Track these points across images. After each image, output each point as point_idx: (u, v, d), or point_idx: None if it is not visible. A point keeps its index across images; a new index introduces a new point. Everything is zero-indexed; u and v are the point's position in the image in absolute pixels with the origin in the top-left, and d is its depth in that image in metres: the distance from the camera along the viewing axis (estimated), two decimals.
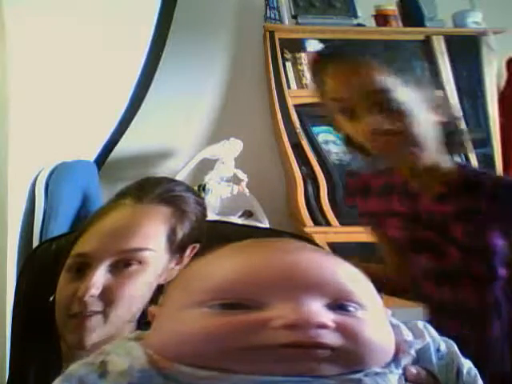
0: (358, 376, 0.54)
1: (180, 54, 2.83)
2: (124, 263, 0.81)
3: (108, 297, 0.79)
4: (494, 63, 2.96)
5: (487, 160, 2.89)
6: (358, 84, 1.03)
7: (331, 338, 0.53)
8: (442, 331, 0.79)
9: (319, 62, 1.10)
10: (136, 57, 2.56)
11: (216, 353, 0.52)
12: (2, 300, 1.48)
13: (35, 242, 1.72)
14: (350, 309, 0.56)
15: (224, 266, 0.59)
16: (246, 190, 2.59)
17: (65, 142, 2.03)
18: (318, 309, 0.55)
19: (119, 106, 2.56)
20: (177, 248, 0.86)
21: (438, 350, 0.59)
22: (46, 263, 0.93)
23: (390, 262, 1.19)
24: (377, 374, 0.55)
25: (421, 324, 0.62)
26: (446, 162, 1.09)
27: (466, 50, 2.98)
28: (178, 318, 0.56)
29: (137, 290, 0.78)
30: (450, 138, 1.10)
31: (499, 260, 1.04)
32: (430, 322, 1.10)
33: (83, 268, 0.81)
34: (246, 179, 2.61)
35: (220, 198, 2.55)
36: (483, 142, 2.90)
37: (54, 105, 1.83)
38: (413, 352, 0.57)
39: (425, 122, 1.05)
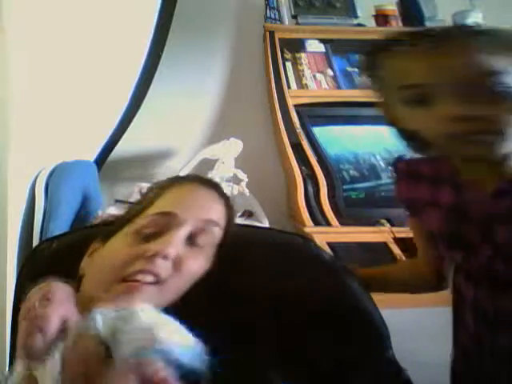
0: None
1: (180, 54, 2.83)
2: (200, 234, 0.82)
3: (177, 265, 0.78)
4: None
5: None
6: (453, 66, 0.88)
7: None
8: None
9: (385, 49, 0.96)
10: (136, 57, 2.56)
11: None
12: (2, 300, 1.48)
13: (35, 242, 1.72)
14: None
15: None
16: (246, 190, 2.58)
17: (65, 142, 2.03)
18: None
19: (119, 105, 2.56)
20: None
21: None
22: (46, 262, 0.93)
23: (422, 254, 1.11)
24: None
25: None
26: None
27: None
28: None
29: (200, 266, 0.81)
30: None
31: None
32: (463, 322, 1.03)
33: (160, 232, 0.80)
34: (246, 179, 2.61)
35: None
36: None
37: (54, 105, 1.83)
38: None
39: None
